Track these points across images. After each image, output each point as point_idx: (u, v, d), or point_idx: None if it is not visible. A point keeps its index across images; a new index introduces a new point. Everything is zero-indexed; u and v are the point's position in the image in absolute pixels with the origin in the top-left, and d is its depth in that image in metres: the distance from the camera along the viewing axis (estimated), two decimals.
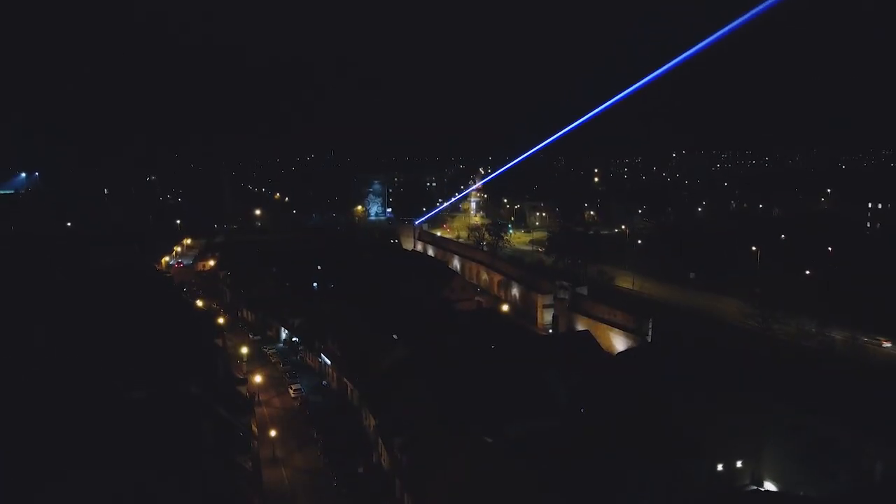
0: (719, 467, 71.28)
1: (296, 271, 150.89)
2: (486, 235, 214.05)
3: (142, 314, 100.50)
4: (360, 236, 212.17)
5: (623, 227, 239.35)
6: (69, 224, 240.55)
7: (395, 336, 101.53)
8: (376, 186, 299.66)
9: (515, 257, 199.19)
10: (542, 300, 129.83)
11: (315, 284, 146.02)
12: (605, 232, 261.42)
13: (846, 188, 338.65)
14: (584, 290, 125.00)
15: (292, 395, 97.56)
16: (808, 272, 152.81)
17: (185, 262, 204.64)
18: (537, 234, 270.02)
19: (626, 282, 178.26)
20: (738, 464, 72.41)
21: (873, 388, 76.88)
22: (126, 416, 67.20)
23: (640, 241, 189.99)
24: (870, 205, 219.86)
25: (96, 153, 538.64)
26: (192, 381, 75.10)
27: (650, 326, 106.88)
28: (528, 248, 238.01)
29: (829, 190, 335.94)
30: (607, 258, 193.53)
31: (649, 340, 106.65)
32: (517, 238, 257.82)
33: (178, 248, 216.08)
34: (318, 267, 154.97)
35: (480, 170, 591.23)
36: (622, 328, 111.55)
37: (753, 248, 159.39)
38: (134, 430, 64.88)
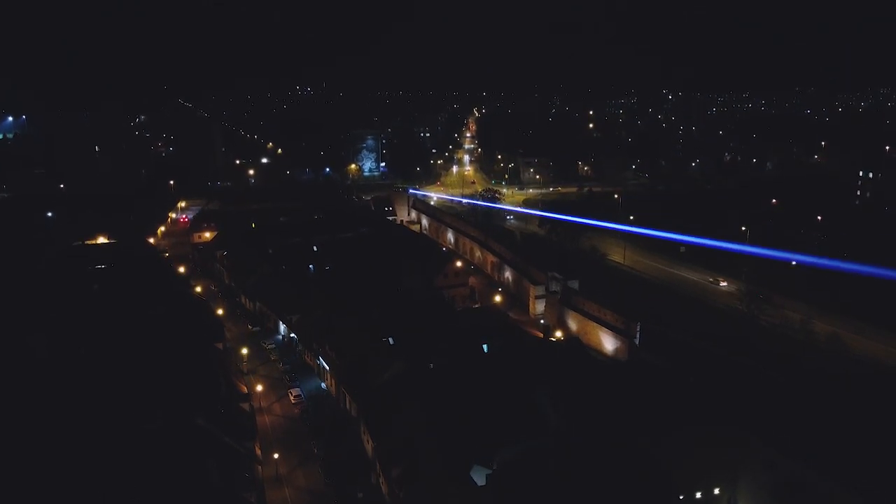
0: (698, 495, 75.96)
1: (291, 252, 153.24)
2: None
3: (143, 326, 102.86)
4: (355, 206, 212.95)
5: (617, 192, 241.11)
6: (62, 186, 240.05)
7: (390, 340, 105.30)
8: (370, 142, 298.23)
9: (508, 231, 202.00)
10: (534, 291, 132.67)
11: (311, 267, 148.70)
12: (598, 189, 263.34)
13: (840, 137, 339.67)
14: (575, 284, 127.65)
15: (293, 401, 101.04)
16: (795, 248, 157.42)
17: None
18: (531, 193, 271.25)
19: (617, 255, 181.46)
20: (716, 491, 77.09)
21: (851, 413, 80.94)
22: (132, 454, 70.46)
23: (632, 217, 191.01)
24: (861, 173, 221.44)
25: (82, 91, 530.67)
26: (198, 411, 78.36)
27: (638, 329, 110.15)
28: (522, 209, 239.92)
29: (822, 143, 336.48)
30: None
31: (637, 343, 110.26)
32: (511, 198, 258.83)
33: (173, 215, 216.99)
34: (314, 248, 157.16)
35: (474, 110, 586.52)
36: (611, 328, 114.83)
37: (743, 228, 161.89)
38: (138, 470, 68.22)
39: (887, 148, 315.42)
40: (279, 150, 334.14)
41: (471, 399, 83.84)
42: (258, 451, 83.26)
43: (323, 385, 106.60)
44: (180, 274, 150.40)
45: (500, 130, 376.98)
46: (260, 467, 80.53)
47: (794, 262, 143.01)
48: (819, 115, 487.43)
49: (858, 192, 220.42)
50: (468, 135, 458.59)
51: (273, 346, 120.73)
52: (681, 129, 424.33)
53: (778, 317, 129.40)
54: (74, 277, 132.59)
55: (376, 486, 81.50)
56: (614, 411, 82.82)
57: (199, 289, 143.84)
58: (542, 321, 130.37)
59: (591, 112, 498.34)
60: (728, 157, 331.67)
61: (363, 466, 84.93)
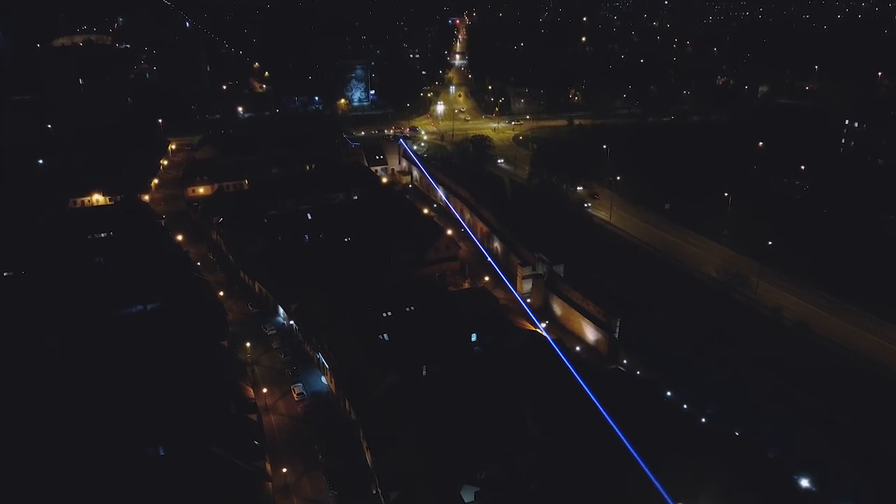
0: None
1: (286, 221, 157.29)
2: (471, 147, 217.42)
3: (146, 330, 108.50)
4: (346, 153, 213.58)
5: (607, 125, 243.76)
6: (49, 126, 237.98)
7: (385, 336, 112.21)
8: (358, 72, 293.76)
9: (498, 177, 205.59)
10: (521, 272, 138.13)
11: (306, 237, 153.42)
12: (588, 123, 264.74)
13: (834, 59, 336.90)
14: (560, 270, 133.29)
15: (296, 399, 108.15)
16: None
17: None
18: (523, 129, 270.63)
19: (604, 210, 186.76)
20: None
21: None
22: (147, 486, 77.94)
23: (619, 179, 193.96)
24: (846, 121, 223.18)
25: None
26: (212, 438, 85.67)
27: (618, 325, 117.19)
28: (512, 148, 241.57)
29: (816, 67, 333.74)
30: (589, 170, 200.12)
31: (616, 336, 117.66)
32: (500, 134, 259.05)
33: (165, 162, 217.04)
34: (308, 216, 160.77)
35: (465, 15, 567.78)
36: (593, 320, 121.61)
37: (726, 195, 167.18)
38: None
39: (880, 74, 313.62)
40: (266, 73, 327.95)
41: (460, 412, 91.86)
42: (268, 467, 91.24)
43: (323, 380, 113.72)
44: (178, 244, 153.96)
45: (490, 46, 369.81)
46: (270, 483, 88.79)
47: (770, 243, 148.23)
48: (817, 23, 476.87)
49: (843, 140, 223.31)
50: (458, 49, 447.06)
51: (274, 331, 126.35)
52: (675, 43, 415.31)
53: (752, 294, 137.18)
54: (75, 253, 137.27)
55: (376, 497, 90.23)
56: (593, 425, 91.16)
57: (197, 261, 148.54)
58: (528, 300, 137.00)
59: (584, 18, 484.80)
60: (721, 81, 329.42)
61: (364, 475, 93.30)
